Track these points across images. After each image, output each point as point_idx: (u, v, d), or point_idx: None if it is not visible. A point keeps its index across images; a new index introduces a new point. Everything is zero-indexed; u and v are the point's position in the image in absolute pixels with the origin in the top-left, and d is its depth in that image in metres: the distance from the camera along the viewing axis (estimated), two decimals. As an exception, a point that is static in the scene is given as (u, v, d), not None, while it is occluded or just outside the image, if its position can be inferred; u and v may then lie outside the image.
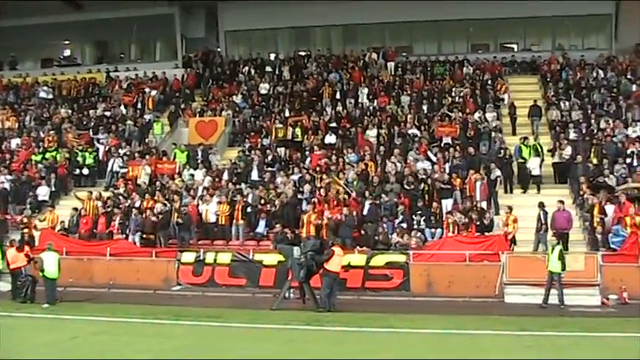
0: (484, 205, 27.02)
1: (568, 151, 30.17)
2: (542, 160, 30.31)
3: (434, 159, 30.43)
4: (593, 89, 36.95)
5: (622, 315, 19.83)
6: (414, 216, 26.69)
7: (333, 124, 35.33)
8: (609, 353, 14.45)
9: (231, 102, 39.11)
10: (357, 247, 25.11)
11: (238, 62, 44.20)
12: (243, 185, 29.94)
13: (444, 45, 44.30)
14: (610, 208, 25.33)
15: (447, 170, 29.17)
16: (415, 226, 26.32)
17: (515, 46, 44.62)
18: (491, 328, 17.83)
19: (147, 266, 26.16)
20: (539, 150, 30.41)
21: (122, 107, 39.87)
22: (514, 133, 33.96)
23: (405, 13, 41.68)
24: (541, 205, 25.52)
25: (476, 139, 32.28)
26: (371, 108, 37.07)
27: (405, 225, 26.20)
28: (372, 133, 33.61)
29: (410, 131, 33.48)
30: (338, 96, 38.48)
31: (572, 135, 32.09)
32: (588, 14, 42.13)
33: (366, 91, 38.31)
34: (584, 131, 32.61)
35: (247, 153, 33.34)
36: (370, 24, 43.70)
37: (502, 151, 30.48)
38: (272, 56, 44.80)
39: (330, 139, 33.84)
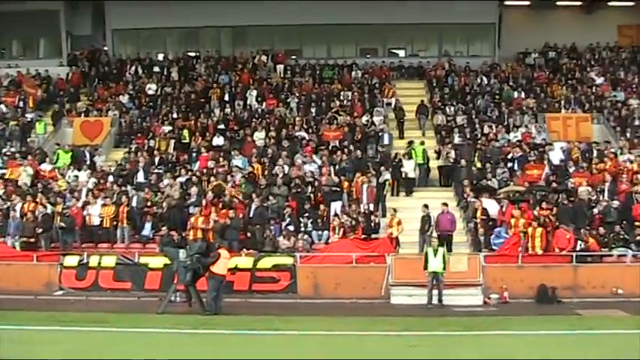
0: (371, 207, 27.27)
1: (452, 154, 30.86)
2: (427, 163, 30.96)
3: (319, 162, 30.50)
4: (477, 95, 38.05)
5: (502, 314, 20.45)
6: (301, 218, 26.65)
7: (222, 127, 35.01)
8: (491, 351, 14.78)
9: (118, 102, 38.21)
10: (244, 249, 24.92)
11: (125, 61, 43.20)
12: (128, 187, 29.29)
13: (334, 49, 44.58)
14: (493, 208, 26.04)
15: (335, 173, 29.33)
16: (302, 229, 26.32)
17: (402, 52, 45.46)
18: (376, 328, 17.99)
19: (27, 271, 25.13)
20: (423, 154, 31.06)
21: (2, 106, 38.34)
22: (401, 137, 34.50)
23: (295, 16, 41.67)
24: (426, 208, 25.96)
25: (363, 142, 32.60)
26: (259, 110, 37.01)
27: (292, 227, 26.15)
28: (260, 136, 33.49)
29: (298, 134, 33.56)
30: (227, 98, 38.22)
31: (456, 139, 32.88)
32: (473, 22, 43.28)
33: (254, 93, 38.21)
34: (468, 136, 33.48)
35: (133, 154, 32.63)
36: (260, 26, 43.44)
37: (390, 154, 30.98)
38: (160, 56, 44.06)
39: (218, 141, 33.50)
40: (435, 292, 21.97)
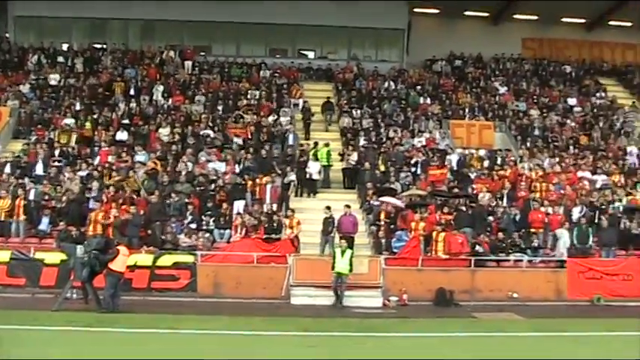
0: (274, 207, 27.19)
1: (355, 157, 31.08)
2: (330, 165, 31.14)
3: (223, 160, 30.28)
4: (384, 99, 38.48)
5: (401, 316, 20.65)
6: (203, 216, 26.35)
7: (126, 121, 34.33)
8: (390, 352, 14.89)
9: (18, 92, 36.95)
10: (144, 246, 24.49)
11: (27, 50, 41.82)
12: (26, 180, 28.38)
13: (243, 47, 44.38)
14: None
15: (239, 172, 29.15)
16: (204, 227, 26.02)
17: (312, 53, 45.61)
18: (276, 329, 17.95)
19: None
20: (327, 156, 31.22)
21: None
22: (307, 138, 34.56)
23: (205, 12, 41.38)
24: (328, 209, 26.05)
25: (268, 141, 32.51)
26: (165, 106, 36.44)
27: (194, 225, 25.84)
28: (164, 132, 33.00)
29: (203, 131, 33.20)
30: (132, 92, 37.49)
31: (362, 142, 33.14)
32: (383, 28, 43.81)
33: (161, 88, 37.63)
34: (373, 139, 33.76)
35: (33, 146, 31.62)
36: (169, 21, 42.95)
37: (296, 154, 31.01)
38: (65, 46, 42.89)
39: (122, 135, 32.83)
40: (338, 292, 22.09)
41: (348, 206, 26.20)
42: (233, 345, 15.79)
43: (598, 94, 42.64)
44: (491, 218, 26.92)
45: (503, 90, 41.29)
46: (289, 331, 17.57)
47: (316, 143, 31.94)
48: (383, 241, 25.69)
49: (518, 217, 26.95)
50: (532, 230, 26.31)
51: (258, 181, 28.36)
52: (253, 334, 17.11)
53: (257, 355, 14.68)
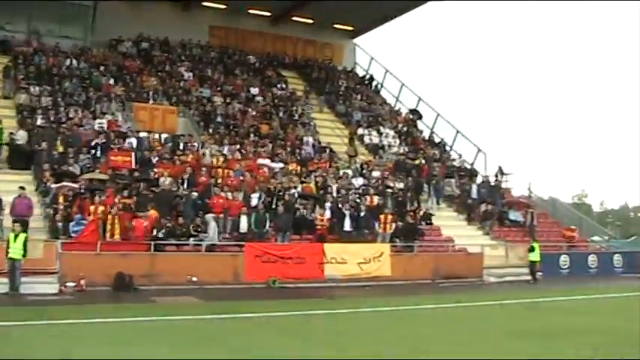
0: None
1: (22, 135, 29.55)
2: (2, 144, 29.34)
3: None
4: (65, 78, 36.85)
5: (79, 302, 19.90)
6: None
7: None
8: (66, 341, 14.22)
9: None
10: None
11: None
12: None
13: None
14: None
15: None
16: None
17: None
18: None
19: None
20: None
21: None
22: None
23: None
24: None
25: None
26: None
27: None
28: None
29: None
30: None
31: (39, 121, 31.57)
32: (69, 2, 41.90)
33: None
34: (52, 118, 32.29)
35: None
36: None
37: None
38: None
39: None
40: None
41: (22, 188, 24.83)
42: None
43: (279, 86, 44.54)
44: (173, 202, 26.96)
45: (188, 76, 41.49)
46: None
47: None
48: (60, 224, 24.65)
49: (199, 202, 27.25)
50: (212, 215, 26.75)
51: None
52: None
53: None
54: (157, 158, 30.53)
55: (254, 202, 28.29)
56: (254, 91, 42.37)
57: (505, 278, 30.10)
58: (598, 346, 13.37)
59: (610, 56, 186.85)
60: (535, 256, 30.53)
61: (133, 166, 29.23)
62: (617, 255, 36.92)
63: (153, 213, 25.32)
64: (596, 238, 41.84)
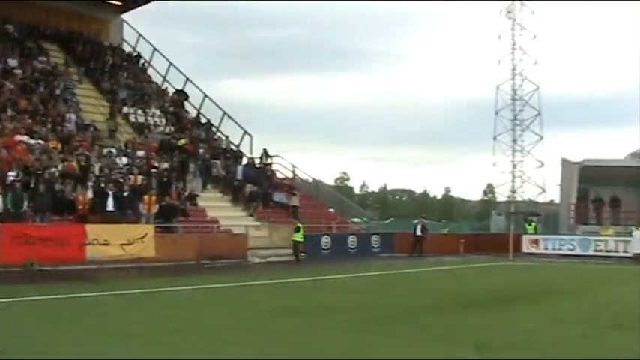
0: None
1: None
2: None
3: None
4: None
5: None
6: None
7: None
8: None
9: None
10: None
11: None
12: None
13: None
14: None
15: None
16: None
17: None
18: None
19: None
20: None
21: None
22: None
23: None
24: None
25: None
26: None
27: None
28: None
29: None
30: None
31: None
32: None
33: None
34: None
35: None
36: None
37: None
38: None
39: None
40: None
41: None
42: None
43: (40, 58, 42.50)
44: None
45: None
46: None
47: None
48: None
49: None
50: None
51: None
52: None
53: None
54: None
55: (10, 180, 27.04)
56: (12, 63, 40.16)
57: (269, 259, 31.07)
58: (354, 321, 14.12)
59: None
60: (299, 237, 31.65)
61: None
62: (375, 236, 39.13)
63: None
64: (356, 219, 44.02)
